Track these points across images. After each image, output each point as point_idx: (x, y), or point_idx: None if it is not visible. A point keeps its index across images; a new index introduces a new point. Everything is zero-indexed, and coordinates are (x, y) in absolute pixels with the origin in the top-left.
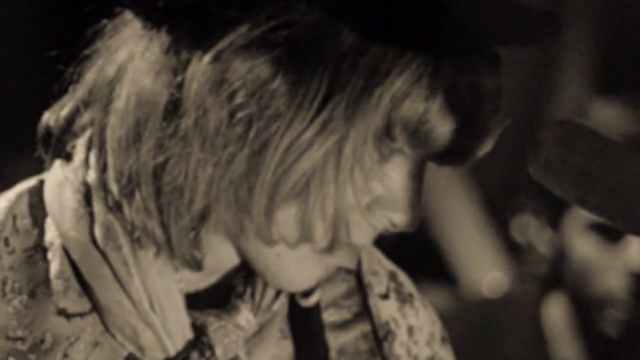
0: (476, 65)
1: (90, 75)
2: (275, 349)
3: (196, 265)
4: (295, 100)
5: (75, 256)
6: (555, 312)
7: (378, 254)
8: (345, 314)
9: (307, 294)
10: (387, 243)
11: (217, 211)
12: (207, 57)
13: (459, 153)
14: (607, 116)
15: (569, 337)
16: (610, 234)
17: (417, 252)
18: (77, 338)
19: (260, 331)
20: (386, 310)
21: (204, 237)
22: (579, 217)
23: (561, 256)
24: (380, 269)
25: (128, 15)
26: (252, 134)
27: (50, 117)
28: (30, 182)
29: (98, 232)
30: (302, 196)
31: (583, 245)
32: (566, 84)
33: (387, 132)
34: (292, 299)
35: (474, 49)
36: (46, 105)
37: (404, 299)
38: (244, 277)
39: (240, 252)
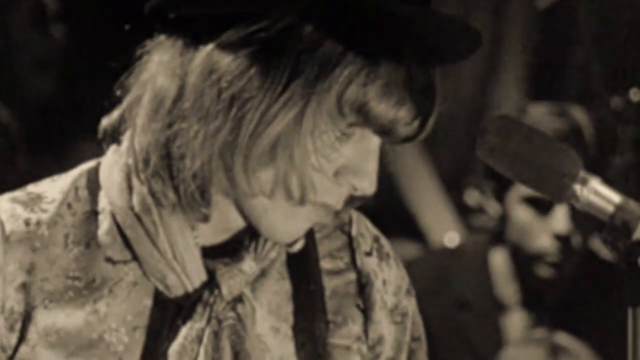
0: (409, 64)
1: (134, 89)
2: (275, 287)
3: (204, 219)
4: (265, 84)
5: (119, 219)
6: (499, 261)
7: (366, 222)
8: (339, 264)
9: (291, 244)
10: (370, 209)
11: (214, 173)
12: (203, 54)
13: (403, 132)
14: (538, 115)
15: (509, 280)
16: (542, 205)
17: (392, 215)
18: (120, 279)
19: (262, 275)
20: (368, 264)
21: (213, 197)
22: (518, 192)
23: (503, 220)
24: (366, 232)
25: (161, 37)
26: (233, 110)
27: (106, 121)
28: (91, 163)
29: (135, 201)
30: (272, 158)
31: (521, 213)
32: (505, 90)
33: (339, 110)
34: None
35: (407, 52)
36: (104, 106)
37: (382, 257)
38: (250, 235)
39: (239, 209)
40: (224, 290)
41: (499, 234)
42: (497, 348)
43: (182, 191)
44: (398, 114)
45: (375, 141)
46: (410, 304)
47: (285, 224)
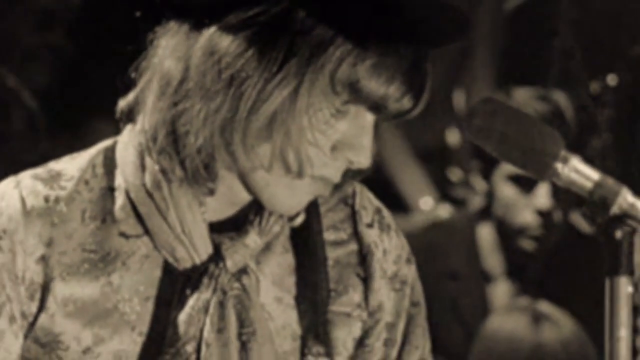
0: (398, 44)
1: (146, 72)
2: (279, 260)
3: (210, 192)
4: (262, 64)
5: (132, 195)
6: (486, 235)
7: (368, 194)
8: (342, 235)
9: (292, 218)
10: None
11: (217, 149)
12: (205, 36)
13: (394, 108)
14: (523, 99)
15: (495, 252)
16: (526, 183)
17: (384, 192)
18: (133, 252)
19: (267, 248)
20: (370, 235)
21: (218, 171)
22: (503, 170)
23: (490, 197)
24: (368, 205)
25: (170, 23)
26: (232, 89)
27: (123, 102)
28: (108, 142)
29: (147, 178)
30: (269, 134)
31: (506, 190)
32: (479, 76)
33: (332, 89)
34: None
35: (396, 36)
36: (119, 89)
37: (383, 228)
38: (255, 210)
39: (243, 182)
40: (229, 263)
41: (485, 210)
42: (483, 315)
43: (188, 166)
44: (388, 91)
45: (369, 118)
46: (410, 272)
47: (287, 197)
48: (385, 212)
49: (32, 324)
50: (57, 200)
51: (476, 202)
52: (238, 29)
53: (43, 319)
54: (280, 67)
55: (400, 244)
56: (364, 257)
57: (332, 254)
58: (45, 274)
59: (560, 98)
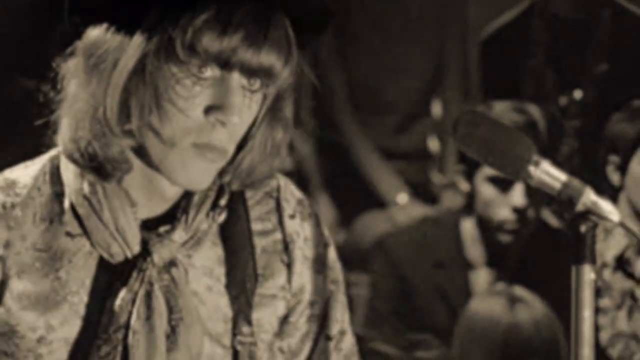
0: (228, 3)
1: (60, 94)
2: (209, 253)
3: (118, 181)
4: (116, 43)
5: (73, 199)
6: (469, 229)
7: (292, 187)
8: (268, 225)
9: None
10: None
11: (95, 135)
12: (83, 42)
13: (241, 59)
14: (501, 111)
15: (477, 244)
16: (503, 183)
17: (365, 191)
18: (78, 250)
19: (197, 243)
20: (292, 225)
21: (122, 160)
22: (484, 172)
23: (472, 196)
24: (291, 197)
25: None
26: (98, 75)
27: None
28: (55, 151)
29: (84, 185)
30: (127, 109)
31: (486, 190)
32: (453, 90)
33: (176, 54)
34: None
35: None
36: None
37: (304, 218)
38: (183, 207)
39: (148, 164)
40: (155, 257)
41: (468, 207)
42: (466, 299)
43: (90, 163)
44: (222, 44)
45: (234, 78)
46: (329, 254)
47: (182, 170)
48: (306, 203)
49: None
50: (13, 206)
51: (453, 200)
52: (103, 20)
53: (1, 312)
54: (130, 41)
55: (320, 231)
56: (287, 245)
57: (259, 242)
58: (3, 272)
59: (534, 110)
